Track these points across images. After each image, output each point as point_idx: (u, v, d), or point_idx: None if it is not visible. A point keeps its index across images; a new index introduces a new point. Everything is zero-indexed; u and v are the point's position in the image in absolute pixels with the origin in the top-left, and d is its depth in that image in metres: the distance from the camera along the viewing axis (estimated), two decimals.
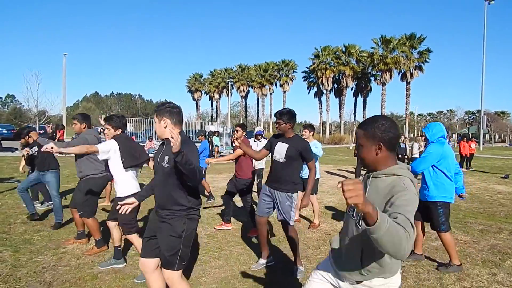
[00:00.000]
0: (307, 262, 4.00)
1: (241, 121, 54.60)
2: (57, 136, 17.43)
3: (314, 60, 45.40)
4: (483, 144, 33.42)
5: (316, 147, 5.24)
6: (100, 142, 4.35)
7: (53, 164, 5.34)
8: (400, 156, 13.97)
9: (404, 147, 14.74)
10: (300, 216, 6.08)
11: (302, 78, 48.93)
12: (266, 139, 6.10)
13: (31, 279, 3.46)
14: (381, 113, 41.65)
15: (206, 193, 7.69)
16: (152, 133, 20.55)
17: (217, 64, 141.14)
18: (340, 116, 46.78)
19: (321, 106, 48.15)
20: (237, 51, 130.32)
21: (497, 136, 60.89)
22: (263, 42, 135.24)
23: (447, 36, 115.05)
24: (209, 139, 20.71)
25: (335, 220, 6.05)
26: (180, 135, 2.41)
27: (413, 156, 14.03)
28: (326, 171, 13.59)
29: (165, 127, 2.51)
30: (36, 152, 5.41)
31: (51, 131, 5.46)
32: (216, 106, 61.92)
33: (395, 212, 1.39)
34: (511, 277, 3.71)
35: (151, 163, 3.61)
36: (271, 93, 53.23)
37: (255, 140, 7.48)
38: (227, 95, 50.57)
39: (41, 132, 22.52)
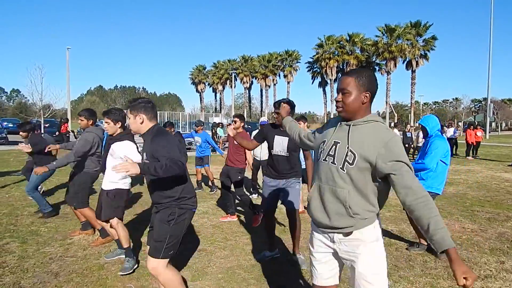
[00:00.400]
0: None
1: (245, 113, 54.60)
2: (61, 129, 17.55)
3: (318, 50, 45.01)
4: (489, 132, 33.09)
5: None
6: (103, 138, 4.38)
7: (50, 160, 5.25)
8: (406, 145, 13.93)
9: (410, 136, 14.67)
10: (305, 207, 6.06)
11: (306, 68, 48.71)
12: None
13: (38, 269, 3.49)
14: (386, 102, 41.36)
15: (209, 183, 7.71)
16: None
17: (220, 56, 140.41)
18: None
19: (325, 96, 47.96)
20: (240, 42, 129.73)
21: (503, 124, 60.16)
22: (266, 32, 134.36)
23: (453, 23, 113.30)
24: (214, 131, 20.78)
25: None
26: (154, 128, 2.54)
27: (418, 145, 13.97)
28: None
29: (141, 123, 2.53)
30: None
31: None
32: (220, 98, 61.84)
33: (400, 161, 1.61)
34: None
35: None
36: (274, 84, 52.98)
37: None
38: (231, 86, 50.38)
39: (46, 126, 22.73)
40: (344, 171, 1.70)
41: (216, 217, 5.53)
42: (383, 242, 1.84)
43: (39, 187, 6.18)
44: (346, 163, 1.70)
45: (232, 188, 5.45)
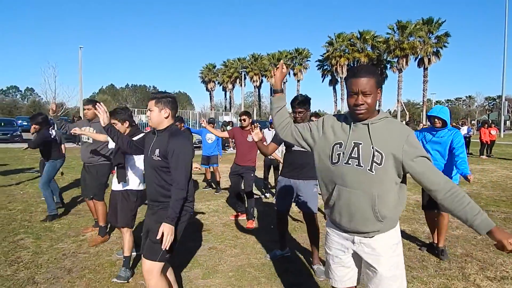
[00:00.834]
0: (322, 250, 3.95)
1: (255, 111, 54.59)
2: None
3: (328, 48, 44.63)
4: (504, 130, 32.40)
5: None
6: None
7: (55, 155, 5.29)
8: None
9: None
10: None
11: (316, 66, 48.27)
12: None
13: (52, 265, 3.54)
14: (398, 100, 40.85)
15: (216, 183, 7.56)
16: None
17: (230, 54, 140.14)
18: None
19: (336, 95, 47.55)
20: (250, 41, 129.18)
21: None
22: (276, 30, 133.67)
23: (466, 19, 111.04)
24: (223, 129, 20.84)
25: None
26: (173, 127, 2.46)
27: None
28: None
29: (166, 117, 2.44)
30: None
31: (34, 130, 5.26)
32: (230, 97, 61.85)
33: (425, 156, 1.64)
34: None
35: None
36: (284, 82, 52.70)
37: (270, 129, 7.39)
38: (241, 85, 50.35)
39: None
40: (373, 172, 1.64)
41: (226, 215, 5.53)
42: None
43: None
44: (374, 164, 1.64)
45: (242, 187, 5.42)
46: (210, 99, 65.23)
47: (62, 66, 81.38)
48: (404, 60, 39.18)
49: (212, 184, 7.93)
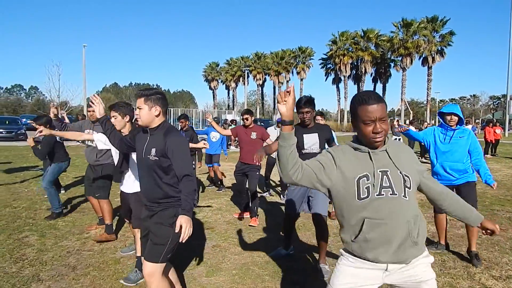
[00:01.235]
0: (327, 249, 3.94)
1: (258, 110, 54.57)
2: None
3: (332, 46, 44.50)
4: (509, 130, 32.16)
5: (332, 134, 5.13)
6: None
7: (61, 157, 5.38)
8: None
9: None
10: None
11: (320, 65, 48.20)
12: None
13: (56, 262, 3.56)
14: (401, 99, 40.68)
15: (218, 182, 7.54)
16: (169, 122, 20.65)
17: (233, 53, 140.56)
18: None
19: (339, 93, 47.43)
20: (253, 39, 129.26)
21: None
22: (279, 29, 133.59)
23: (471, 18, 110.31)
24: (225, 128, 20.85)
25: None
26: (165, 124, 2.39)
27: None
28: None
29: (157, 115, 2.35)
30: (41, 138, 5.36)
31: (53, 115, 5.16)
32: (233, 95, 61.89)
33: (426, 168, 1.79)
34: None
35: None
36: (287, 81, 52.66)
37: (276, 128, 7.36)
38: (244, 83, 50.37)
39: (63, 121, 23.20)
40: (407, 198, 1.59)
41: (230, 213, 5.53)
42: None
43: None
44: (406, 189, 1.60)
45: (246, 185, 5.42)
46: (213, 97, 65.37)
47: (66, 64, 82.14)
48: (408, 58, 39.02)
49: (216, 182, 7.94)
